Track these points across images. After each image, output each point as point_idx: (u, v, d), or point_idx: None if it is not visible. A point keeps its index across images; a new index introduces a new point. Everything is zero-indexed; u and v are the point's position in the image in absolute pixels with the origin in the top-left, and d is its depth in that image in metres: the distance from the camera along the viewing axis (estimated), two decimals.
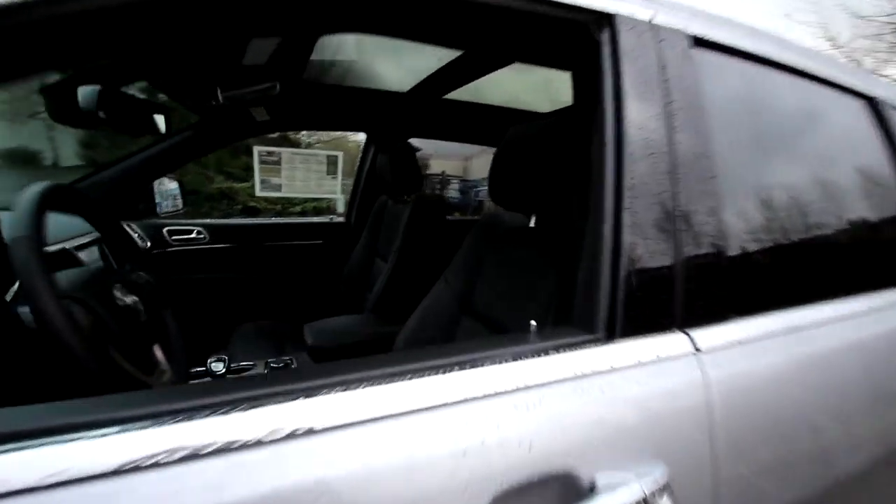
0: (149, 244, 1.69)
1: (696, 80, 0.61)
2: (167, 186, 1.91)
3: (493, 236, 1.09)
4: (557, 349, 0.50)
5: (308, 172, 1.92)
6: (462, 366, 0.45)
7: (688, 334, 0.56)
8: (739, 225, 0.65)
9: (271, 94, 1.15)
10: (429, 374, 0.44)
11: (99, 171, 1.58)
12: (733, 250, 0.62)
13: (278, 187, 1.89)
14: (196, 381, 1.16)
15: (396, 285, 1.50)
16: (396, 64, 1.50)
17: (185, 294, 1.80)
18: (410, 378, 0.43)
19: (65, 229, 0.99)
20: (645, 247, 0.54)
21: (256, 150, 1.82)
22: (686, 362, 0.54)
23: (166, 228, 1.79)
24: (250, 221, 2.06)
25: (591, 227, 0.56)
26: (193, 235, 1.84)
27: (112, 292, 0.71)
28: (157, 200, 1.83)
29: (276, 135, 2.12)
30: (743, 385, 0.57)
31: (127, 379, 0.67)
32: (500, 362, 0.47)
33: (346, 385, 0.40)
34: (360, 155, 2.04)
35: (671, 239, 0.55)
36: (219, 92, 1.04)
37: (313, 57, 1.13)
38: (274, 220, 2.11)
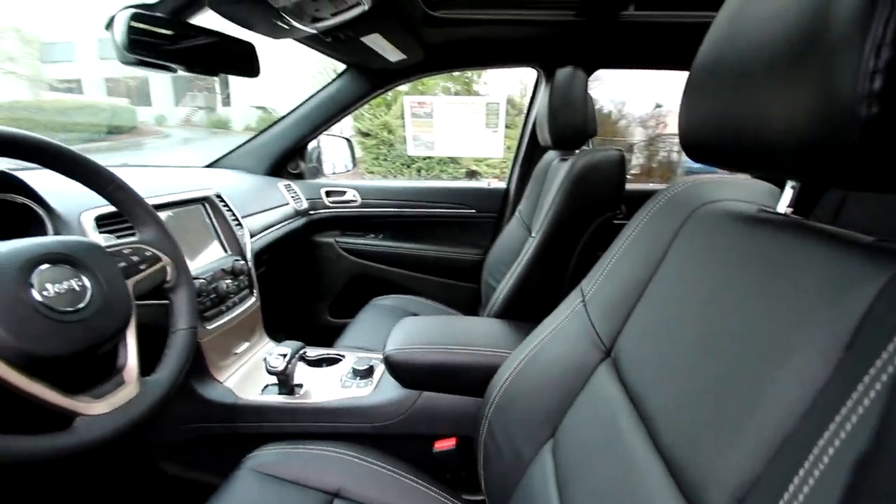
0: (305, 205, 1.68)
1: None
2: (336, 146, 1.88)
3: (691, 225, 0.54)
4: None
5: (463, 126, 1.57)
6: None
7: None
8: None
9: (358, 16, 0.82)
10: None
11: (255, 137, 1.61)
12: None
13: (430, 145, 1.62)
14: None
15: (533, 282, 1.04)
16: None
17: (328, 260, 1.76)
18: None
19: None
20: None
21: (407, 100, 1.57)
22: None
23: (324, 189, 1.75)
24: (401, 184, 1.88)
25: None
26: (348, 197, 1.76)
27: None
28: (324, 160, 1.82)
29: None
30: None
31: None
32: None
33: None
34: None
35: None
36: (286, 17, 0.77)
37: None
38: (425, 182, 1.88)
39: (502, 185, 1.72)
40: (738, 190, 0.56)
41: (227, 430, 0.91)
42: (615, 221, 1.02)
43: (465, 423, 0.88)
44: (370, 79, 1.45)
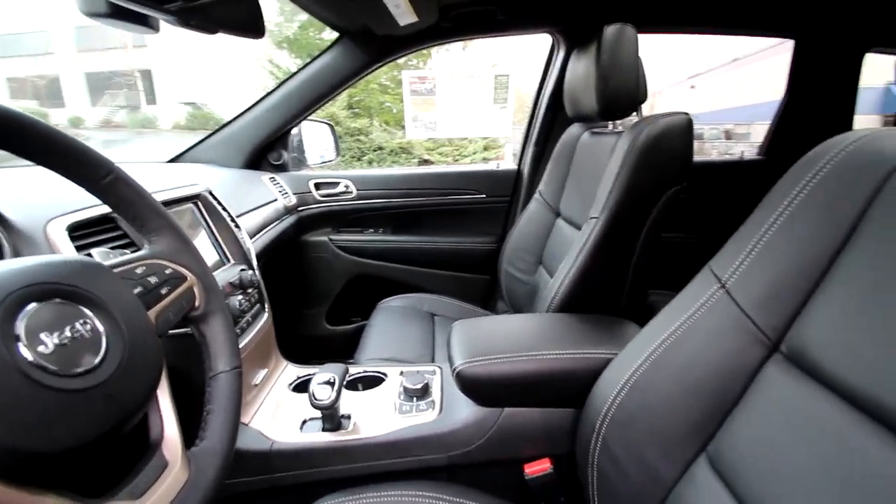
0: (293, 201, 1.46)
1: None
2: (318, 132, 1.66)
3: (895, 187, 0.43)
4: None
5: (469, 103, 1.42)
6: None
7: None
8: None
9: None
10: None
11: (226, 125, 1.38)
12: None
13: (433, 126, 1.45)
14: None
15: (597, 271, 0.92)
16: None
17: (322, 261, 1.57)
18: None
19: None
20: None
21: (406, 75, 1.39)
22: None
23: (313, 181, 1.54)
24: (402, 171, 1.70)
25: None
26: (340, 189, 1.56)
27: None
28: (305, 149, 1.60)
29: None
30: None
31: None
32: None
33: None
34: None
35: None
36: None
37: None
38: (429, 168, 1.72)
39: (512, 166, 1.59)
40: None
41: (267, 483, 0.72)
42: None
43: (558, 440, 0.75)
44: (369, 49, 1.26)
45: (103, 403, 0.33)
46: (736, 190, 1.47)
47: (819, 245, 0.46)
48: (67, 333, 0.33)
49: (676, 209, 0.92)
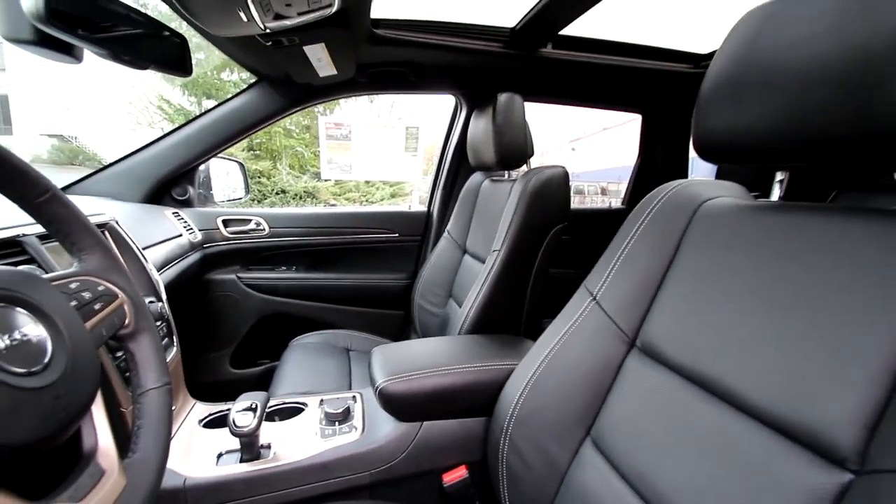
0: (199, 237, 1.42)
1: None
2: (227, 169, 1.64)
3: (701, 219, 0.61)
4: None
5: (382, 149, 1.54)
6: None
7: None
8: None
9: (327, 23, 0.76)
10: None
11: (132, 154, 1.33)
12: None
13: (348, 169, 1.53)
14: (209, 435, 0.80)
15: (500, 297, 1.05)
16: None
17: (229, 300, 1.52)
18: None
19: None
20: None
21: (322, 120, 1.47)
22: None
23: (221, 218, 1.51)
24: (315, 210, 1.74)
25: None
26: (251, 226, 1.54)
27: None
28: (213, 185, 1.57)
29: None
30: None
31: None
32: None
33: None
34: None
35: None
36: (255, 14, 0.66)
37: None
38: (341, 209, 1.78)
39: (422, 208, 1.72)
40: (724, 189, 0.66)
41: None
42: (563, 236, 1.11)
43: (473, 446, 0.82)
44: (287, 95, 1.32)
45: (52, 404, 0.35)
46: (608, 232, 1.76)
47: (655, 261, 0.63)
48: (17, 336, 0.34)
49: (563, 248, 1.10)
